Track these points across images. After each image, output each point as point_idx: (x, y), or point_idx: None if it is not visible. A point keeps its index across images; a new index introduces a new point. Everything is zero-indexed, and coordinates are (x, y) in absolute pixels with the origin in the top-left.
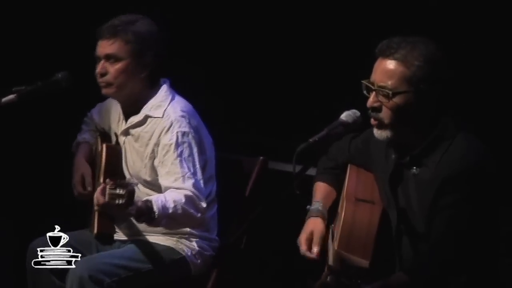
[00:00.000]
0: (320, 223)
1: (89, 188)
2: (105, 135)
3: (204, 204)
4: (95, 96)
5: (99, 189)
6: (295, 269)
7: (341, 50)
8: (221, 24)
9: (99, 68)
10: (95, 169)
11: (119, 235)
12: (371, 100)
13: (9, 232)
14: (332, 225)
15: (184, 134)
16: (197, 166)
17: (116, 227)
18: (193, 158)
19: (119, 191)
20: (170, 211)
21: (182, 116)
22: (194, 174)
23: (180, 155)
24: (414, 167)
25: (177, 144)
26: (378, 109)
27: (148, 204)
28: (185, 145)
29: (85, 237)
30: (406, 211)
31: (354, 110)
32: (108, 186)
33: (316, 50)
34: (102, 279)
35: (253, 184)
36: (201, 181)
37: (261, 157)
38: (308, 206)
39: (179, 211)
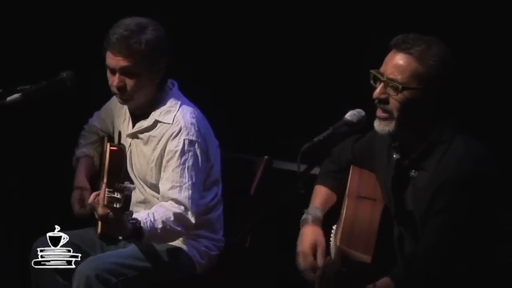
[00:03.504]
0: (320, 232)
1: (88, 208)
2: (113, 138)
3: (193, 220)
4: (98, 96)
5: (93, 194)
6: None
7: (346, 50)
8: (226, 24)
9: (116, 82)
10: (101, 171)
11: None
12: (378, 91)
13: (14, 231)
14: (335, 225)
15: (191, 142)
16: (198, 177)
17: None
18: (196, 168)
19: (117, 195)
20: (159, 231)
21: (192, 124)
22: (192, 185)
23: (183, 163)
24: (413, 170)
25: (182, 152)
26: (385, 101)
27: (136, 225)
28: (190, 153)
29: (90, 236)
30: (405, 213)
31: (359, 110)
32: (106, 190)
33: (321, 49)
34: (109, 278)
35: (257, 183)
36: (198, 193)
37: (266, 157)
38: (306, 210)
39: (167, 229)
